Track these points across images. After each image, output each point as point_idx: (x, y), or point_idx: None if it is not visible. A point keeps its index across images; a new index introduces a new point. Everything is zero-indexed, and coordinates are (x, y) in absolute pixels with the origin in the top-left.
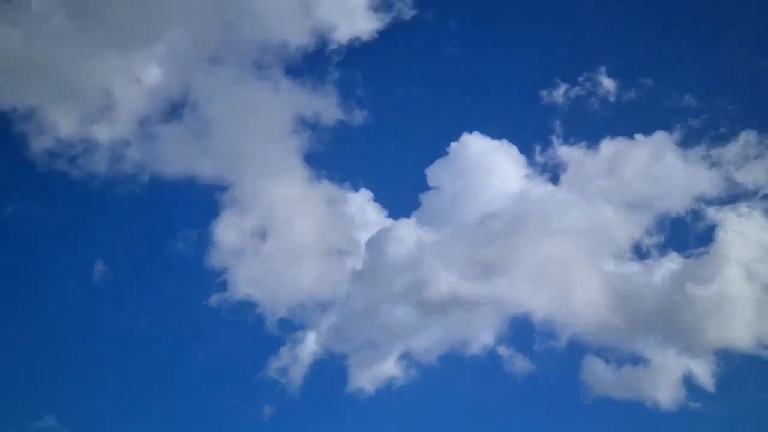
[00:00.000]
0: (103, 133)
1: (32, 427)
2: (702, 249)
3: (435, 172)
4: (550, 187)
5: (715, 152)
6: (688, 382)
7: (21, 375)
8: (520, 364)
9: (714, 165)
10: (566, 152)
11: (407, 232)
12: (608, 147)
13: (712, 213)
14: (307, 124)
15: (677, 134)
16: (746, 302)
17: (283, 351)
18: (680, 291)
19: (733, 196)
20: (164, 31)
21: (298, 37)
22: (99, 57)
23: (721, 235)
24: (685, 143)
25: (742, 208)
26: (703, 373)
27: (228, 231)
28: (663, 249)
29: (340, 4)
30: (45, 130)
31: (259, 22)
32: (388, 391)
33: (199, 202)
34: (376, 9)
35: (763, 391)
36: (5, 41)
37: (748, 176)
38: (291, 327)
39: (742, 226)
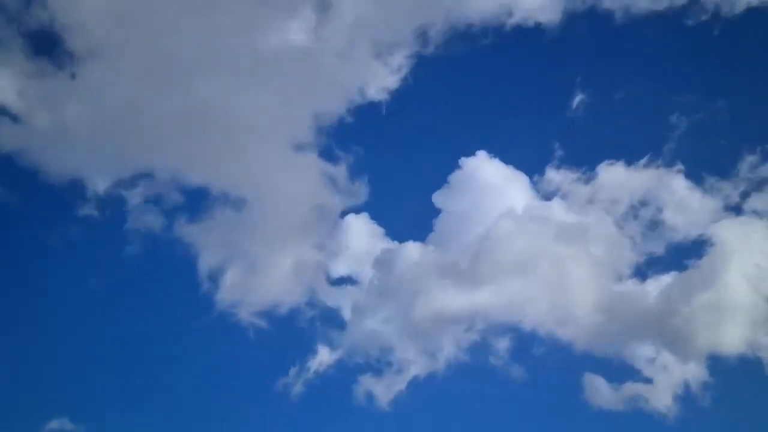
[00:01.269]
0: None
1: (45, 428)
2: (698, 261)
3: (440, 196)
4: (550, 206)
5: (713, 175)
6: (686, 392)
7: (33, 377)
8: (523, 377)
9: (709, 178)
10: (566, 174)
11: (408, 253)
12: (607, 168)
13: (708, 227)
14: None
15: (677, 153)
16: (743, 312)
17: (291, 368)
18: (677, 302)
19: (730, 210)
20: None
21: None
22: None
23: (717, 248)
24: (685, 162)
25: (740, 220)
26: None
27: (226, 235)
28: (660, 265)
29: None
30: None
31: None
32: (391, 405)
33: (198, 204)
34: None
35: (759, 397)
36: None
37: (742, 188)
38: (296, 341)
39: (738, 239)
